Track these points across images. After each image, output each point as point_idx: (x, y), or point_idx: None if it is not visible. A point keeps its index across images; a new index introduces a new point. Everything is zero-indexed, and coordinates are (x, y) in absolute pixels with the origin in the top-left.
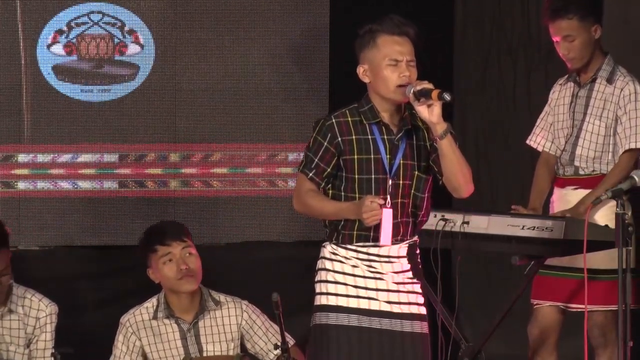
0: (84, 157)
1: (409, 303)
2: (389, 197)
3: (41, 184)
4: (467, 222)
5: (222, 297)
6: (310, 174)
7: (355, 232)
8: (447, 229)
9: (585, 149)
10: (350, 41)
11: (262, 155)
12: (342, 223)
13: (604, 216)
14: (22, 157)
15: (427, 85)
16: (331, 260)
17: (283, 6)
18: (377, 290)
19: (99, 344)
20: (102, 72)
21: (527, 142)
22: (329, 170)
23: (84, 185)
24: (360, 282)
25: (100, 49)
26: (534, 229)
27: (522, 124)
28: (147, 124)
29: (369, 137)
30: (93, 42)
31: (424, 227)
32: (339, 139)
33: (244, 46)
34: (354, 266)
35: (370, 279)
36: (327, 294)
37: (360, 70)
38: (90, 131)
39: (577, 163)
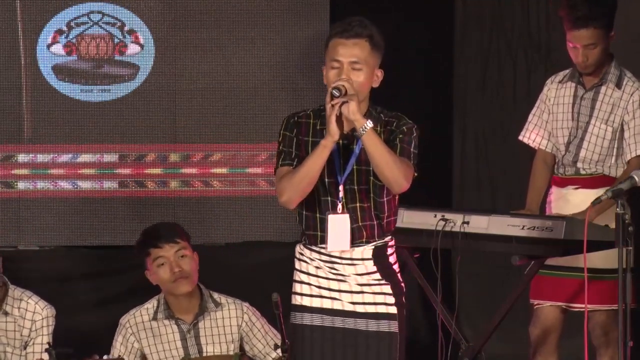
0: (84, 157)
1: (375, 303)
2: (340, 203)
3: (41, 184)
4: (467, 222)
5: (222, 299)
6: (287, 162)
7: (319, 234)
8: (447, 229)
9: (590, 152)
10: None
11: (262, 155)
12: (305, 223)
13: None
14: (22, 157)
15: (340, 83)
16: (299, 260)
17: (283, 6)
18: (340, 291)
19: (98, 344)
20: (102, 72)
21: (520, 138)
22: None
23: (84, 185)
24: (324, 282)
25: (100, 48)
26: (534, 229)
27: (522, 124)
28: (147, 124)
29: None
30: (93, 42)
31: (424, 227)
32: (300, 137)
33: (244, 46)
34: (317, 267)
35: (333, 281)
36: (295, 293)
37: (323, 70)
38: (90, 131)
39: (579, 165)
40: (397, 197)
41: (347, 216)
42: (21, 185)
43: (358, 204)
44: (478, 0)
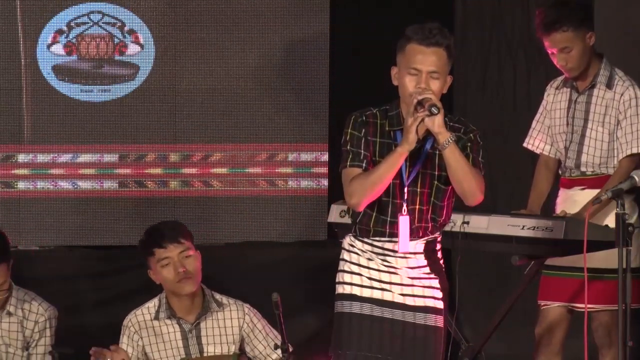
0: (84, 157)
1: (424, 296)
2: (405, 204)
3: (41, 184)
4: (467, 222)
5: (224, 299)
6: (357, 164)
7: (372, 228)
8: (447, 229)
9: (591, 156)
10: (351, 41)
11: (262, 155)
12: (360, 218)
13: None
14: (22, 157)
15: (427, 95)
16: (349, 251)
17: (283, 6)
18: (390, 283)
19: (98, 344)
20: (102, 72)
21: (525, 145)
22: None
23: (84, 185)
24: (375, 274)
25: (100, 49)
26: (534, 229)
27: (522, 124)
28: (147, 124)
29: (393, 142)
30: (93, 42)
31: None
32: (368, 138)
33: (244, 46)
34: (369, 259)
35: (384, 273)
36: (343, 283)
37: (392, 72)
38: (90, 131)
39: (583, 169)
40: (453, 201)
41: (408, 218)
42: (21, 185)
43: (417, 206)
44: (478, 0)
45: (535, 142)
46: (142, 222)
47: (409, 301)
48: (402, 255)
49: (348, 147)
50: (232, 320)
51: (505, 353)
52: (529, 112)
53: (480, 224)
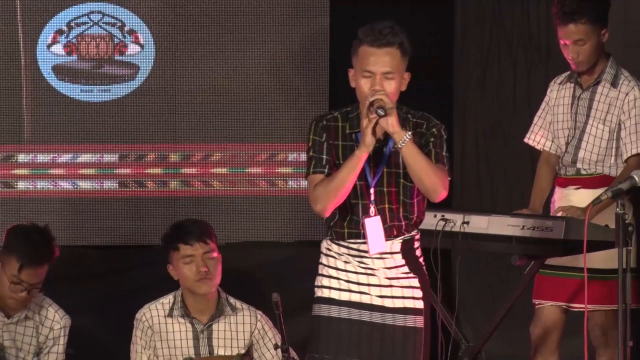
0: (84, 157)
1: (403, 297)
2: (371, 205)
3: (41, 184)
4: (467, 222)
5: (238, 304)
6: (319, 170)
7: (346, 230)
8: (447, 229)
9: (589, 152)
10: (351, 41)
11: (262, 155)
12: (334, 221)
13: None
14: (22, 157)
15: (378, 96)
16: (326, 255)
17: (283, 6)
18: (369, 285)
19: (99, 344)
20: (102, 72)
21: (525, 140)
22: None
23: (84, 185)
24: (353, 277)
25: (100, 49)
26: (534, 229)
27: (522, 124)
28: (147, 124)
29: (355, 144)
30: (93, 42)
31: (424, 227)
32: (330, 142)
33: (244, 46)
34: (346, 262)
35: (362, 275)
36: (322, 287)
37: (349, 73)
38: (90, 131)
39: (579, 165)
40: (425, 198)
41: (379, 218)
42: (21, 185)
43: (387, 205)
44: (478, 0)
45: (537, 137)
46: (142, 222)
47: (388, 303)
48: (378, 256)
49: (311, 153)
50: (244, 325)
51: (505, 353)
52: (529, 112)
53: (480, 224)
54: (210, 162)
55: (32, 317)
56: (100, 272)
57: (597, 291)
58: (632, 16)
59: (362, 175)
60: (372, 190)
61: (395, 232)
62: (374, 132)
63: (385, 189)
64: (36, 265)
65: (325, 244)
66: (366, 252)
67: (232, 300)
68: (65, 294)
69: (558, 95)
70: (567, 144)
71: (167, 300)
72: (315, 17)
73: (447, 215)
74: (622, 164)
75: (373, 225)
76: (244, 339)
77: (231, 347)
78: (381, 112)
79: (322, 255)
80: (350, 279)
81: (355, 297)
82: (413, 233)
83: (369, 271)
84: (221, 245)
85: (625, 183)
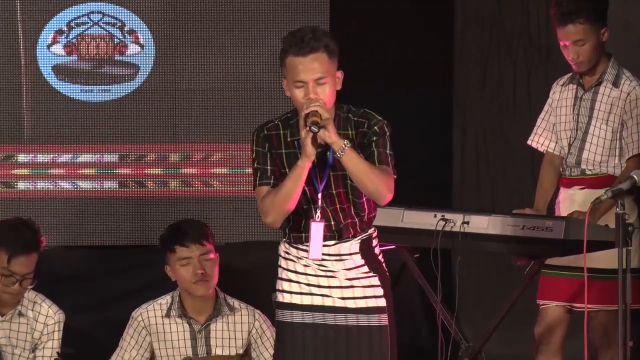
0: (84, 157)
1: (365, 297)
2: (318, 210)
3: (41, 184)
4: (467, 222)
5: (236, 303)
6: (265, 182)
7: (303, 234)
8: (447, 229)
9: (592, 153)
10: (351, 41)
11: None
12: (290, 225)
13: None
14: (22, 157)
15: (313, 108)
16: (285, 259)
17: (283, 6)
18: (329, 287)
19: (99, 344)
20: (102, 72)
21: (529, 142)
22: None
23: (84, 185)
24: (313, 280)
25: (100, 49)
26: (534, 229)
27: (522, 124)
28: (147, 124)
29: (297, 151)
30: (93, 42)
31: (424, 227)
32: (273, 151)
33: (244, 46)
34: (305, 265)
35: (322, 277)
36: (283, 291)
37: (284, 84)
38: (90, 131)
39: (583, 166)
40: None
41: (322, 224)
42: (21, 185)
43: (338, 206)
44: (478, 0)
45: (540, 139)
46: (142, 222)
47: (350, 304)
48: (338, 258)
49: (255, 165)
50: (242, 325)
51: (505, 353)
52: (529, 112)
53: (480, 224)
54: (210, 162)
55: (26, 313)
56: (100, 272)
57: (600, 291)
58: (632, 16)
59: (309, 181)
60: (319, 196)
61: (351, 231)
62: (314, 142)
63: (334, 191)
64: (25, 253)
65: (283, 247)
66: (325, 254)
67: (230, 300)
68: (65, 294)
69: (560, 96)
70: (570, 145)
71: (164, 300)
72: (315, 17)
73: (447, 215)
74: (624, 163)
75: (317, 230)
76: (242, 339)
77: (229, 346)
78: (315, 129)
79: (280, 258)
80: (311, 282)
81: (318, 300)
82: (370, 231)
83: (329, 273)
84: (221, 245)
85: (626, 183)
